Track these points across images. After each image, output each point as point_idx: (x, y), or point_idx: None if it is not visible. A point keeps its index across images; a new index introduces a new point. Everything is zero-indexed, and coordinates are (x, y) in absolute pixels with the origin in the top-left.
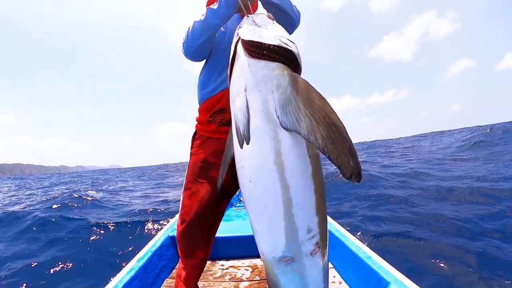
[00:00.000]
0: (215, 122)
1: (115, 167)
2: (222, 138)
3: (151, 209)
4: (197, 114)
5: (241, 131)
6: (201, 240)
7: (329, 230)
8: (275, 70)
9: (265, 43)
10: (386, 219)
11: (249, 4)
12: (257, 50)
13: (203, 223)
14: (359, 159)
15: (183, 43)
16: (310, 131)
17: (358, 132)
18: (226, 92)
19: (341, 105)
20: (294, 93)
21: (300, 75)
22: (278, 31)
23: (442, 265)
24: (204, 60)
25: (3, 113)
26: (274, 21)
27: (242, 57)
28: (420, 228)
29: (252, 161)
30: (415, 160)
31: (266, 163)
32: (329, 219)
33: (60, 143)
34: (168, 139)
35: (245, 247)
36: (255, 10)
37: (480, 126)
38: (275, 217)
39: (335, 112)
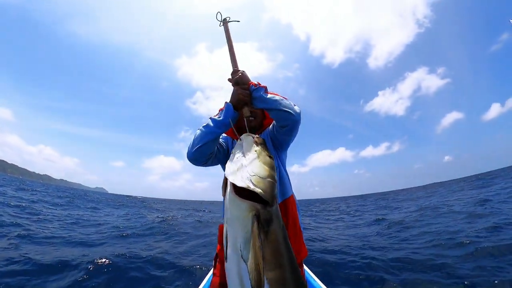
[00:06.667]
0: None
1: (100, 191)
2: None
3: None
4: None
5: (224, 250)
6: None
7: None
8: (243, 211)
9: (237, 186)
10: None
11: (245, 123)
12: (235, 187)
13: None
14: None
15: (188, 147)
16: (251, 271)
17: (354, 184)
18: None
19: (335, 157)
20: (252, 236)
21: (272, 205)
22: (254, 168)
23: None
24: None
25: (2, 107)
26: (259, 146)
27: (229, 189)
28: None
29: (229, 273)
30: None
31: (235, 278)
32: None
33: (50, 153)
34: (159, 173)
35: None
36: (260, 117)
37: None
38: None
39: (262, 265)
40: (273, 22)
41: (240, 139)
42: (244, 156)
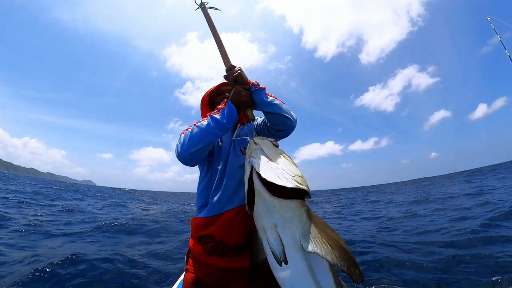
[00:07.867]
0: (205, 248)
1: (88, 184)
2: (214, 265)
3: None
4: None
5: (278, 256)
6: None
7: None
8: (295, 210)
9: (286, 187)
10: None
11: (251, 121)
12: (278, 189)
13: None
14: None
15: (178, 145)
16: (327, 253)
17: (343, 178)
18: (218, 218)
19: (324, 150)
20: (312, 225)
21: (310, 197)
22: (292, 169)
23: None
24: (201, 166)
25: None
26: (279, 148)
27: (264, 195)
28: None
29: (292, 273)
30: None
31: (303, 274)
32: None
33: (36, 145)
34: (147, 165)
35: None
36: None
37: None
38: None
39: (342, 240)
40: (266, 13)
41: (256, 143)
42: (272, 160)
